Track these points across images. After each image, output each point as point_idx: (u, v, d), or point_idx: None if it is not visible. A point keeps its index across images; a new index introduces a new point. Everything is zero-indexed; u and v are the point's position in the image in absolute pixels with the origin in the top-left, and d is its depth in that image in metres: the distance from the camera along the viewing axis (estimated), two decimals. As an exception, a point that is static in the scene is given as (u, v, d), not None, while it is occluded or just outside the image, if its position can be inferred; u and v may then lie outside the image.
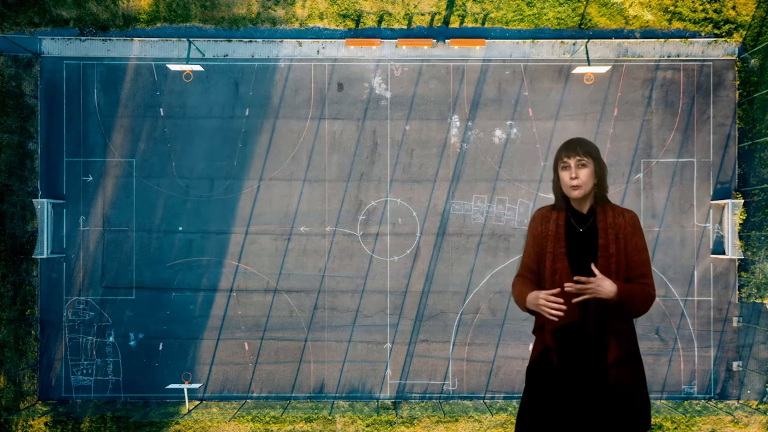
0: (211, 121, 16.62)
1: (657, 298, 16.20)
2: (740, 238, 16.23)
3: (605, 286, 2.96)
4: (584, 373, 3.11)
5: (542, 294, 3.04)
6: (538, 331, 3.34)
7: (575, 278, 3.00)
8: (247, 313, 16.61)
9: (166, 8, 16.53)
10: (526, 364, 3.41)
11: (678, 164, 16.46)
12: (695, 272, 16.40)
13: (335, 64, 16.61)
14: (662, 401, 16.36)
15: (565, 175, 3.23)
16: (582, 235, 3.27)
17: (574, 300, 3.00)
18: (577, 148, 3.19)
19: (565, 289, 3.00)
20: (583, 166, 3.18)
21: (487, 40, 16.36)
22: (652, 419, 15.99)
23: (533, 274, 3.39)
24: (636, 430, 3.12)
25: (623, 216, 3.24)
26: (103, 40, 16.57)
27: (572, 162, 3.19)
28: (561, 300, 2.99)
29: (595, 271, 2.99)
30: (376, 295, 16.57)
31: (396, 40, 16.42)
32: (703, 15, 16.40)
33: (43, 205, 16.24)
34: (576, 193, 3.20)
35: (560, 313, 2.97)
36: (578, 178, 3.17)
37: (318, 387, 16.62)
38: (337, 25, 16.60)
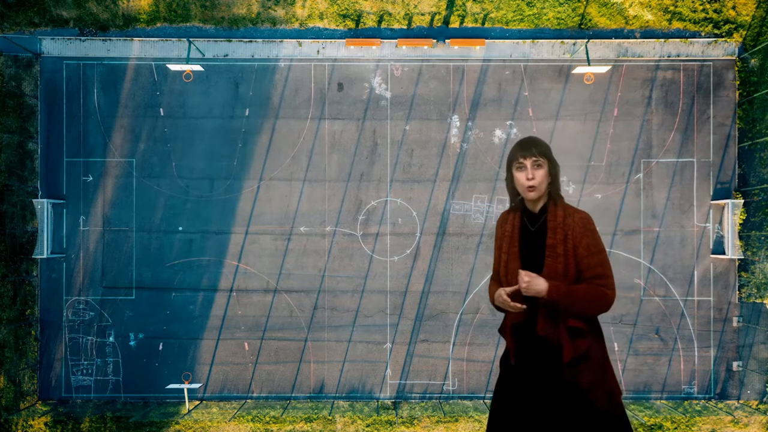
0: (211, 121, 16.62)
1: (657, 299, 16.28)
2: (740, 238, 16.23)
3: (533, 285, 2.99)
4: (540, 372, 3.12)
5: (502, 291, 3.11)
6: (502, 331, 3.39)
7: (520, 272, 3.06)
8: (247, 313, 16.61)
9: (166, 8, 16.53)
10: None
11: (678, 164, 16.46)
12: (695, 272, 16.40)
13: (335, 64, 16.61)
14: (662, 401, 16.36)
15: (520, 176, 3.23)
16: (533, 235, 3.30)
17: (513, 303, 3.07)
18: (533, 148, 3.19)
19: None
20: (539, 166, 3.19)
21: (487, 40, 16.37)
22: (652, 419, 15.99)
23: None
24: None
25: (573, 216, 3.21)
26: (103, 40, 16.57)
27: (528, 162, 3.19)
28: (515, 302, 3.08)
29: (522, 273, 3.02)
30: (376, 295, 16.57)
31: (396, 40, 16.42)
32: (703, 15, 16.40)
33: (43, 205, 16.24)
34: (532, 195, 3.22)
35: (521, 307, 3.06)
36: (534, 178, 3.18)
37: (318, 387, 16.62)
38: (337, 25, 16.60)
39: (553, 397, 3.06)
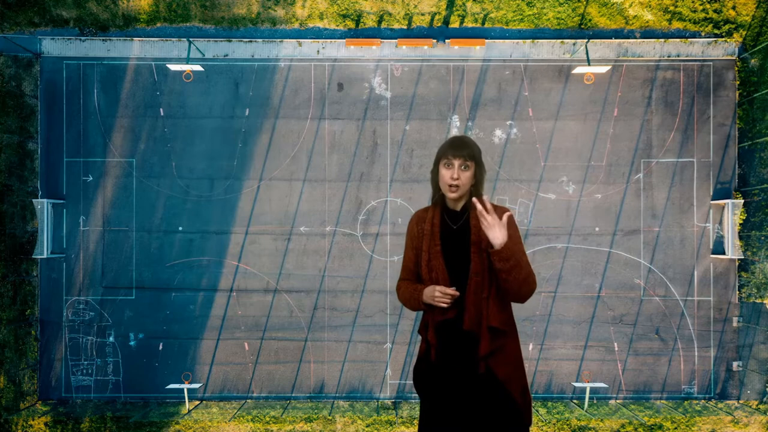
0: (211, 121, 16.62)
1: (657, 299, 16.29)
2: (740, 238, 16.23)
3: (500, 232, 2.95)
4: (459, 367, 3.18)
5: (438, 288, 3.11)
6: (423, 330, 3.40)
7: (479, 210, 3.03)
8: (247, 313, 16.61)
9: (166, 8, 16.53)
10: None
11: (678, 164, 16.46)
12: (695, 272, 16.40)
13: (335, 64, 16.61)
14: (662, 401, 16.36)
15: (446, 173, 3.24)
16: (456, 232, 3.32)
17: (446, 293, 3.10)
18: (464, 150, 3.20)
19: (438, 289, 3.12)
20: (467, 168, 3.21)
21: (487, 40, 16.37)
22: (652, 419, 16.00)
23: (414, 275, 3.46)
24: (515, 426, 3.16)
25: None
26: (103, 40, 16.57)
27: (456, 162, 3.20)
28: (454, 293, 3.10)
29: (483, 202, 3.01)
30: (376, 295, 16.57)
31: (396, 40, 16.42)
32: (703, 15, 16.40)
33: (43, 205, 16.24)
34: (453, 194, 3.24)
35: (449, 301, 3.09)
36: (459, 179, 3.20)
37: (318, 387, 16.62)
38: (337, 25, 16.60)
39: (472, 391, 3.14)
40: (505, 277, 3.02)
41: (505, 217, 3.01)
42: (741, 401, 16.41)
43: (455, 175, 3.19)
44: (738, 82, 16.38)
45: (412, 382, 3.49)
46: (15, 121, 16.53)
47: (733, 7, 16.31)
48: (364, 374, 16.61)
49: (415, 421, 16.17)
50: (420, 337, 3.47)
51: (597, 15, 16.49)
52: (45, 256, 16.25)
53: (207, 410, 16.46)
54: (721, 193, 16.43)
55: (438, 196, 3.43)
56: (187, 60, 15.80)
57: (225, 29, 16.63)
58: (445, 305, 3.10)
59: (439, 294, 3.11)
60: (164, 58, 16.51)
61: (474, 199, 3.04)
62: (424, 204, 16.51)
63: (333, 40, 16.54)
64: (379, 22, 16.58)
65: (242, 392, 16.65)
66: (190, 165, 16.60)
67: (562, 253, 16.41)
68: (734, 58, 16.42)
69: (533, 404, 16.32)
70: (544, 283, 16.41)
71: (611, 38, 16.47)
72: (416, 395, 16.50)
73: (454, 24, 16.59)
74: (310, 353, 16.59)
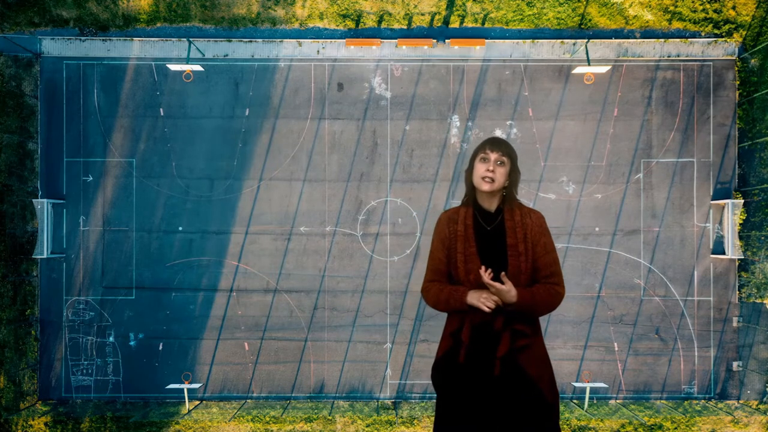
0: (211, 121, 16.62)
1: (657, 299, 16.29)
2: (740, 238, 16.23)
3: (510, 294, 3.06)
4: (486, 367, 3.17)
5: (479, 294, 3.13)
6: (455, 330, 3.37)
7: (486, 282, 3.08)
8: (247, 313, 16.61)
9: (166, 8, 16.53)
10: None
11: (678, 164, 16.46)
12: (695, 272, 16.40)
13: (335, 64, 16.61)
14: (662, 401, 16.36)
15: (480, 167, 3.28)
16: (490, 234, 3.32)
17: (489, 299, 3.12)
18: (502, 146, 3.27)
19: (485, 280, 3.11)
20: (502, 164, 3.27)
21: (487, 40, 16.37)
22: (652, 419, 16.00)
23: (444, 277, 3.43)
24: (544, 424, 3.15)
25: (530, 216, 3.32)
26: (103, 40, 16.58)
27: (493, 156, 3.26)
28: (498, 301, 3.11)
29: (505, 280, 3.07)
30: (376, 295, 16.57)
31: (396, 40, 16.42)
32: (703, 15, 16.40)
33: (43, 205, 16.24)
34: (486, 187, 3.26)
35: (493, 305, 3.10)
36: (494, 172, 3.24)
37: (318, 387, 16.62)
38: (337, 25, 16.60)
39: (497, 389, 3.13)
40: (532, 312, 3.16)
41: (504, 279, 3.08)
42: (741, 401, 16.41)
43: (491, 167, 3.24)
44: (738, 82, 16.38)
45: (430, 381, 3.51)
46: (15, 121, 16.53)
47: (733, 7, 16.31)
48: (364, 374, 16.61)
49: (416, 421, 16.17)
50: (443, 335, 3.46)
51: (597, 15, 16.49)
52: (45, 256, 16.25)
53: (207, 410, 16.46)
54: (721, 193, 16.43)
55: (470, 197, 3.44)
56: (187, 60, 15.80)
57: (225, 29, 16.64)
58: (489, 309, 3.11)
59: (485, 298, 3.11)
60: (164, 58, 16.51)
61: (502, 275, 3.09)
62: (424, 204, 16.51)
63: (333, 40, 16.54)
64: (379, 22, 16.58)
65: (242, 392, 16.65)
66: (190, 165, 16.60)
67: (562, 253, 16.41)
68: (734, 58, 16.42)
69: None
70: (544, 283, 16.39)
71: (611, 38, 16.47)
72: (416, 395, 16.50)
73: (454, 24, 16.59)
74: (310, 353, 16.59)
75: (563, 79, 16.50)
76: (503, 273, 3.11)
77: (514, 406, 3.11)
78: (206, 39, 16.52)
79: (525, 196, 16.47)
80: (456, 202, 16.54)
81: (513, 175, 3.31)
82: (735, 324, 16.35)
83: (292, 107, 16.62)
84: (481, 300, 3.11)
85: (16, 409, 16.51)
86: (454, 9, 16.50)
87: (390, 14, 16.54)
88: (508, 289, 3.05)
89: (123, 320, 16.57)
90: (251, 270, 16.61)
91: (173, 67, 16.10)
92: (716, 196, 16.40)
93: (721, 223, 16.41)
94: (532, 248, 3.25)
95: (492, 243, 3.29)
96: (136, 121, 16.60)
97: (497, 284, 3.06)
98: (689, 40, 16.41)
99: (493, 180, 3.24)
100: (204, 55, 16.48)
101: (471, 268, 3.26)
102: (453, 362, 3.28)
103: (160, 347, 16.59)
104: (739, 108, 16.39)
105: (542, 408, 3.15)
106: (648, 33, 16.57)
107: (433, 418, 16.01)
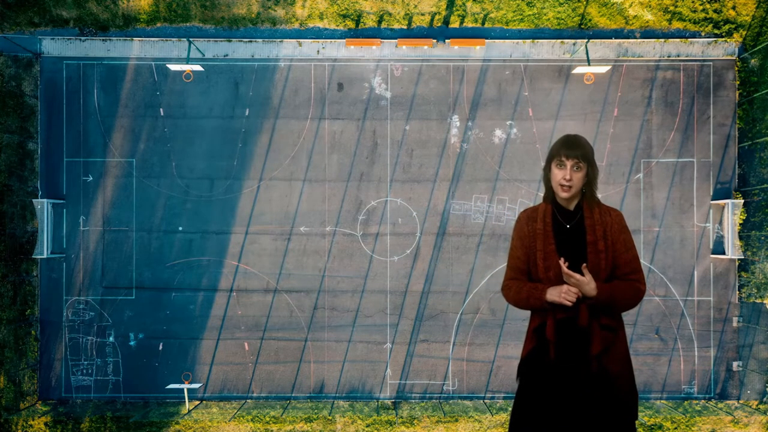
0: (211, 121, 16.62)
1: (657, 299, 16.28)
2: (740, 238, 16.22)
3: (589, 287, 3.08)
4: (575, 364, 3.18)
5: (559, 289, 3.13)
6: (538, 328, 3.37)
7: (565, 272, 3.10)
8: (247, 313, 16.61)
9: (166, 8, 16.54)
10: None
11: (678, 164, 16.46)
12: (695, 272, 16.40)
13: (335, 64, 16.61)
14: (662, 401, 16.36)
15: (558, 173, 3.25)
16: (569, 231, 3.33)
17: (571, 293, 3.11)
18: (577, 150, 3.21)
19: (565, 271, 3.12)
20: (579, 169, 3.22)
21: (487, 40, 16.36)
22: (652, 419, 16.00)
23: (524, 275, 3.43)
24: (622, 421, 3.19)
25: (610, 214, 3.31)
26: (103, 40, 16.58)
27: (569, 163, 3.22)
28: (578, 293, 3.11)
29: (585, 272, 3.09)
30: (376, 295, 16.57)
31: (396, 40, 16.42)
32: (703, 15, 16.40)
33: (43, 205, 16.24)
34: (564, 194, 3.26)
35: (574, 299, 3.10)
36: (571, 180, 3.21)
37: (318, 387, 16.62)
38: (337, 25, 16.60)
39: (582, 387, 3.14)
40: (612, 307, 3.17)
41: (584, 270, 3.10)
42: (741, 401, 16.40)
43: (567, 176, 3.20)
44: (738, 82, 16.38)
45: (517, 379, 3.51)
46: (15, 121, 16.53)
47: (733, 7, 16.31)
48: (364, 374, 16.61)
49: (416, 421, 16.18)
50: (527, 333, 3.46)
51: (597, 15, 16.49)
52: (45, 256, 16.25)
53: (207, 410, 16.46)
54: (721, 193, 16.43)
55: (548, 195, 3.44)
56: (187, 60, 15.80)
57: (225, 29, 16.64)
58: (570, 304, 3.09)
59: (566, 292, 3.10)
60: (164, 58, 16.51)
61: (582, 266, 3.10)
62: (424, 204, 16.52)
63: (333, 40, 16.54)
64: (379, 22, 16.58)
65: (242, 392, 16.66)
66: (190, 165, 16.60)
67: (562, 253, 16.38)
68: (734, 58, 16.42)
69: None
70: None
71: (611, 38, 16.47)
72: (416, 395, 16.50)
73: (454, 24, 16.59)
74: (310, 353, 16.59)
75: (563, 79, 16.50)
76: (584, 264, 3.11)
77: (593, 404, 3.11)
78: (206, 39, 16.52)
79: (525, 196, 16.48)
80: (456, 202, 16.54)
81: (590, 174, 3.27)
82: (735, 324, 16.35)
83: (292, 107, 16.62)
84: (562, 295, 3.10)
85: (16, 409, 16.51)
86: (454, 9, 16.50)
87: (390, 14, 16.54)
88: (588, 281, 3.05)
89: (123, 320, 16.58)
90: (251, 270, 16.61)
91: (173, 67, 16.10)
92: (716, 196, 16.40)
93: (721, 223, 16.41)
94: (612, 246, 3.25)
95: (571, 241, 3.29)
96: (136, 121, 16.61)
97: (577, 275, 3.06)
98: (689, 40, 16.41)
99: (570, 187, 3.23)
100: (204, 55, 16.48)
101: (550, 265, 3.27)
102: (542, 359, 3.27)
103: (160, 347, 16.59)
104: (739, 108, 16.38)
105: (620, 407, 3.16)
106: (648, 33, 16.57)
107: (432, 419, 16.03)
